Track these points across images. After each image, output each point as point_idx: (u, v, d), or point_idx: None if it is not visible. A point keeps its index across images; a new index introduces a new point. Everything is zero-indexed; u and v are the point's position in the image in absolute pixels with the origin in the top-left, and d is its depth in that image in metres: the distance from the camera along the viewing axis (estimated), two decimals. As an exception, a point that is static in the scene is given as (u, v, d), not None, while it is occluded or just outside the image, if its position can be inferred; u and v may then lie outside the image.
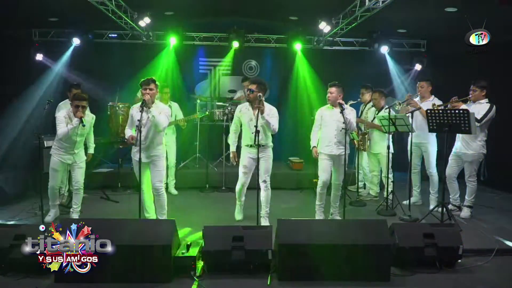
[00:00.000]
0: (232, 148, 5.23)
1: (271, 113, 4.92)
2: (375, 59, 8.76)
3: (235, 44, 8.51)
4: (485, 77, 5.40)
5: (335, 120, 5.03)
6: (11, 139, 8.08)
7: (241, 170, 5.16)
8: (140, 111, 4.45)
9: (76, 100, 4.83)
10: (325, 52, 8.93)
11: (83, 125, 4.78)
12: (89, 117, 5.11)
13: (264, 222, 5.00)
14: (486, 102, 5.28)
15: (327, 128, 5.11)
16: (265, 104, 4.89)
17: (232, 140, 5.24)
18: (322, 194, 5.20)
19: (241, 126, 5.13)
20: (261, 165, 4.88)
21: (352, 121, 4.97)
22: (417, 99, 5.85)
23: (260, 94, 4.76)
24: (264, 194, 5.02)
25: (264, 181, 5.00)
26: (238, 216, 5.37)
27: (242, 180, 5.18)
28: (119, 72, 8.40)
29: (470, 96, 5.31)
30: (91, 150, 5.29)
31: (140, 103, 4.54)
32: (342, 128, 4.90)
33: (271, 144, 5.11)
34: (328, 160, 5.12)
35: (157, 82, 4.75)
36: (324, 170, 5.12)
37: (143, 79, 4.74)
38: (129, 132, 4.77)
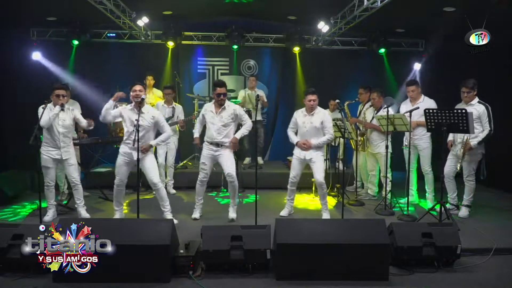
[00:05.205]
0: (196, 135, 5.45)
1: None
2: (374, 58, 8.78)
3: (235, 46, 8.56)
4: (471, 76, 5.32)
5: None
6: (9, 139, 8.07)
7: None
8: (136, 113, 4.70)
9: (55, 90, 4.97)
10: (324, 52, 8.93)
11: (62, 110, 4.92)
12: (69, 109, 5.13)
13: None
14: (478, 102, 5.24)
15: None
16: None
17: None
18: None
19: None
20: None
21: None
22: (405, 103, 5.93)
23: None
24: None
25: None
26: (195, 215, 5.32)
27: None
28: (117, 72, 8.41)
29: (465, 97, 5.26)
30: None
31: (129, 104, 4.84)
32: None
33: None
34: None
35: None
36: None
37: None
38: None
